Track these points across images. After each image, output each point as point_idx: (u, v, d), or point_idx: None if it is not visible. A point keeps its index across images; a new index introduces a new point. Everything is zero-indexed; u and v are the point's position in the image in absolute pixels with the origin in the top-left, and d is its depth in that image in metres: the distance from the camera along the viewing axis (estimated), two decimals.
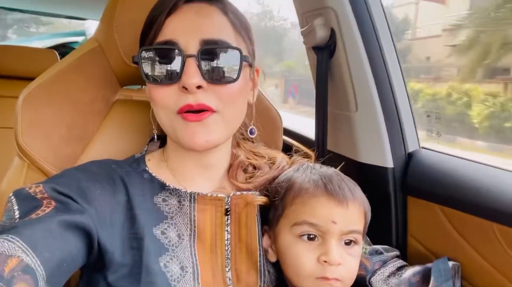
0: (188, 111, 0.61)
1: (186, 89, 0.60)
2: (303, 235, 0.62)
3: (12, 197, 0.57)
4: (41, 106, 0.80)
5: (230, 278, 0.65)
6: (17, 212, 0.54)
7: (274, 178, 0.73)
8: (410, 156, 0.95)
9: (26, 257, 0.46)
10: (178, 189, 0.67)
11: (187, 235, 0.65)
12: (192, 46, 0.61)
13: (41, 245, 0.49)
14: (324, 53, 0.98)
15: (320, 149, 1.01)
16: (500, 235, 0.73)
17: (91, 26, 3.46)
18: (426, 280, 0.75)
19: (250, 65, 0.69)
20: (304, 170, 0.70)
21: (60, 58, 2.69)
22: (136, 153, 0.80)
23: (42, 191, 0.57)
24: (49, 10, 2.94)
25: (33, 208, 0.54)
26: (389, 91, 0.94)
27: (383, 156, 0.94)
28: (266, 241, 0.69)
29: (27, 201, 0.56)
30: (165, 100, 0.63)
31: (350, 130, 0.98)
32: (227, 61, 0.62)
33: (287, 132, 1.33)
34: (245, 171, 0.77)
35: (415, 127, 0.98)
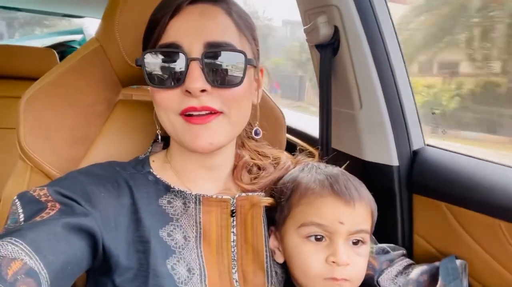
0: (191, 114, 0.60)
1: (190, 92, 0.59)
2: (310, 236, 0.62)
3: (17, 200, 0.57)
4: (43, 109, 0.79)
5: (237, 279, 0.65)
6: (21, 215, 0.54)
7: (279, 179, 0.73)
8: (415, 154, 0.95)
9: (29, 260, 0.46)
10: (183, 191, 0.67)
11: (193, 237, 0.65)
12: (196, 49, 0.60)
13: (45, 248, 0.49)
14: (328, 50, 0.97)
15: (324, 147, 1.01)
16: (507, 232, 0.73)
17: (88, 23, 3.45)
18: (434, 279, 0.75)
19: (254, 66, 0.68)
20: (309, 170, 0.70)
21: (59, 57, 2.69)
22: (139, 153, 0.80)
23: (46, 194, 0.57)
24: (47, 9, 2.92)
25: (38, 211, 0.54)
26: (393, 89, 0.94)
27: (388, 154, 0.94)
28: (273, 242, 0.69)
29: (31, 204, 0.55)
30: (168, 103, 0.62)
31: (355, 128, 0.98)
32: (231, 64, 0.61)
33: (291, 131, 1.33)
34: (249, 171, 0.76)
35: (420, 124, 0.98)
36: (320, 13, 0.95)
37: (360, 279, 0.64)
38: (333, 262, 0.60)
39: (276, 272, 0.69)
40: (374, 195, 0.68)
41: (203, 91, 0.59)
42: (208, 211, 0.66)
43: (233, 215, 0.67)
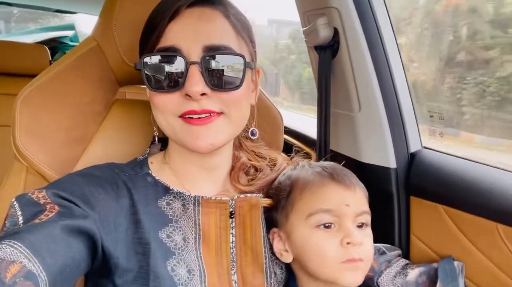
0: (191, 116, 0.61)
1: (190, 96, 0.59)
2: (319, 225, 0.63)
3: (15, 203, 0.56)
4: (39, 108, 0.78)
5: (236, 281, 0.65)
6: (20, 218, 0.54)
7: (275, 180, 0.73)
8: (412, 156, 0.95)
9: (28, 263, 0.46)
10: (182, 193, 0.67)
11: (192, 238, 0.65)
12: (194, 53, 0.60)
13: (44, 250, 0.49)
14: (327, 52, 0.97)
15: (322, 149, 1.01)
16: (504, 235, 0.73)
17: (79, 19, 3.40)
18: (432, 281, 0.75)
19: (252, 68, 0.68)
20: (303, 167, 0.71)
21: (51, 53, 2.65)
22: (137, 153, 0.79)
23: (45, 196, 0.57)
24: (39, 4, 2.87)
25: (37, 213, 0.54)
26: (392, 91, 0.94)
27: (386, 156, 0.94)
28: (277, 244, 0.69)
29: (30, 206, 0.55)
30: (167, 106, 0.62)
31: (353, 130, 0.98)
32: (230, 67, 0.62)
33: (289, 132, 1.33)
34: (246, 173, 0.77)
35: (417, 127, 0.98)
36: (320, 15, 0.95)
37: (370, 260, 0.65)
38: (348, 243, 0.61)
39: (275, 273, 0.69)
40: (371, 197, 0.69)
41: (203, 94, 0.60)
42: (207, 213, 0.66)
43: (232, 216, 0.67)
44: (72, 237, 0.53)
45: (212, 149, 0.63)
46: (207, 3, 0.63)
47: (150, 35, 0.63)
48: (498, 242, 0.75)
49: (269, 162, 0.79)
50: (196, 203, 0.66)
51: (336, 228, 0.63)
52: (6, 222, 0.55)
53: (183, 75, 0.59)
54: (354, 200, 0.64)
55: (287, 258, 0.68)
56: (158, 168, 0.71)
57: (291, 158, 0.81)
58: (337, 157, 1.02)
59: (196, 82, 0.59)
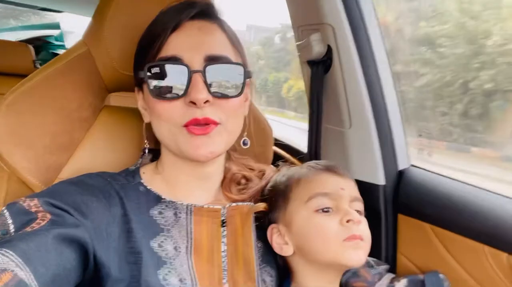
0: (193, 126, 0.62)
1: (194, 103, 0.61)
2: (318, 209, 0.65)
3: (5, 211, 0.56)
4: (24, 112, 0.76)
5: None
6: (12, 226, 0.53)
7: (265, 186, 0.76)
8: (401, 174, 0.96)
9: (20, 272, 0.46)
10: (174, 202, 0.68)
11: (184, 247, 0.65)
12: (197, 62, 0.63)
13: (36, 259, 0.48)
14: (319, 67, 0.97)
15: None
16: (491, 257, 0.75)
17: (61, 18, 3.35)
18: None
19: (249, 77, 0.71)
20: (289, 169, 0.75)
21: (35, 52, 2.59)
22: (124, 161, 0.80)
23: (36, 204, 0.56)
24: (23, 1, 2.80)
25: (28, 222, 0.53)
26: (382, 109, 0.95)
27: (375, 173, 0.95)
28: (276, 239, 0.69)
29: (21, 215, 0.55)
30: (171, 114, 0.64)
31: (343, 146, 0.99)
32: (231, 76, 0.65)
33: (279, 145, 1.33)
34: (238, 183, 0.78)
35: (406, 145, 1.00)
36: (314, 31, 0.96)
37: (369, 241, 0.66)
38: (348, 221, 0.63)
39: (265, 281, 0.69)
40: None
41: (206, 102, 0.62)
42: (199, 221, 0.67)
43: (224, 225, 0.68)
44: (64, 246, 0.53)
45: (211, 157, 0.65)
46: (206, 17, 0.67)
47: (151, 45, 0.65)
48: (484, 263, 0.76)
49: (258, 172, 0.82)
50: (189, 212, 0.67)
51: (334, 212, 0.65)
52: None
53: (187, 83, 0.62)
54: (348, 185, 0.69)
55: (288, 250, 0.68)
56: (150, 178, 0.72)
57: (279, 169, 0.82)
58: None
59: (200, 90, 0.61)
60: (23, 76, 0.80)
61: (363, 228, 0.65)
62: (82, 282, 0.58)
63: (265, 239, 0.71)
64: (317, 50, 0.95)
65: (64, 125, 0.79)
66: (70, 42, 3.20)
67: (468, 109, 1.61)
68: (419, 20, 1.70)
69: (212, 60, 0.63)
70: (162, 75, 0.63)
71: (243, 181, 0.78)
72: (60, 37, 3.36)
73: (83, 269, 0.56)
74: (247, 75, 0.66)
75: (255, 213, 0.71)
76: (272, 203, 0.71)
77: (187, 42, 0.64)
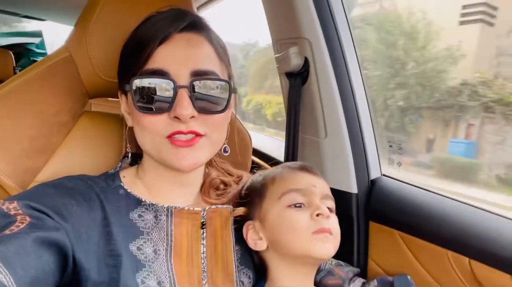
0: (177, 137, 0.63)
1: (179, 118, 0.61)
2: (291, 205, 0.68)
3: None
4: (2, 116, 0.75)
5: None
6: None
7: (241, 191, 0.77)
8: (372, 183, 1.00)
9: None
10: (155, 204, 0.68)
11: (163, 249, 0.66)
12: (183, 77, 0.62)
13: (15, 262, 0.48)
14: (297, 79, 1.01)
15: None
16: (454, 262, 0.78)
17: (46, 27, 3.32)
18: None
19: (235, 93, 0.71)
20: (264, 172, 0.77)
21: (15, 58, 2.56)
22: (101, 167, 0.79)
23: (16, 207, 0.56)
24: (8, 8, 2.78)
25: (7, 224, 0.52)
26: (356, 120, 0.99)
27: (348, 182, 0.98)
28: (251, 235, 0.71)
29: (0, 218, 0.54)
30: (154, 127, 0.64)
31: (319, 155, 1.02)
32: (216, 92, 0.65)
33: (256, 153, 1.35)
34: (216, 188, 0.79)
35: (378, 155, 1.04)
36: (292, 44, 1.00)
37: (338, 236, 0.68)
38: (318, 215, 0.66)
39: (243, 282, 0.70)
40: None
41: (191, 117, 0.62)
42: (179, 223, 0.68)
43: (203, 227, 0.69)
44: (44, 249, 0.52)
45: (194, 168, 0.65)
46: (194, 29, 0.66)
47: (137, 55, 0.64)
48: (448, 268, 0.79)
49: (236, 178, 0.83)
50: (169, 214, 0.68)
51: (306, 207, 0.68)
52: None
53: (172, 98, 0.61)
54: (320, 183, 0.72)
55: (262, 245, 0.70)
56: (130, 182, 0.72)
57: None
58: None
59: (185, 106, 0.61)
60: (2, 82, 0.80)
61: (332, 223, 0.68)
62: (61, 285, 0.57)
63: (243, 241, 0.72)
64: (295, 62, 0.99)
65: (42, 130, 0.79)
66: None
67: (388, 122, 2.04)
68: None
69: (198, 75, 0.63)
70: (147, 89, 0.63)
71: (221, 186, 0.80)
72: (41, 45, 3.34)
73: (62, 272, 0.56)
74: (233, 91, 0.67)
75: (234, 216, 0.72)
76: (249, 202, 0.73)
77: (174, 56, 0.63)
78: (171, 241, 0.67)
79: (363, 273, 0.96)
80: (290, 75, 1.04)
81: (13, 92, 0.77)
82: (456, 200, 0.86)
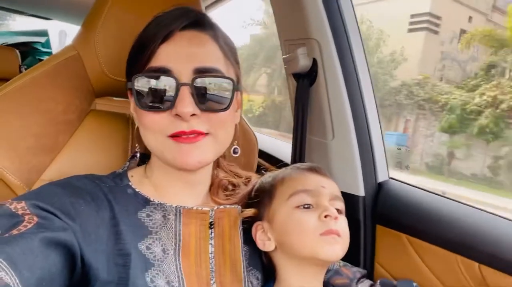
0: (179, 136, 0.62)
1: (180, 116, 0.61)
2: (299, 206, 0.67)
3: None
4: (9, 113, 0.76)
5: None
6: None
7: (250, 192, 0.77)
8: (380, 186, 0.99)
9: (5, 276, 0.45)
10: (163, 204, 0.68)
11: (171, 249, 0.66)
12: (185, 74, 0.62)
13: (21, 263, 0.48)
14: (305, 80, 1.00)
15: None
16: (463, 267, 0.77)
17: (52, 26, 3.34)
18: None
19: (238, 90, 0.71)
20: (273, 173, 0.77)
21: (21, 57, 2.57)
22: (107, 166, 0.79)
23: (24, 207, 0.55)
24: (14, 7, 2.80)
25: (14, 224, 0.52)
26: (364, 122, 0.98)
27: (355, 185, 0.97)
28: (260, 235, 0.71)
29: (7, 217, 0.53)
30: (156, 125, 0.63)
31: (326, 157, 1.01)
32: (219, 89, 0.64)
33: (263, 154, 1.34)
34: (225, 189, 0.79)
35: (385, 158, 1.03)
36: (300, 45, 0.99)
37: (347, 238, 0.68)
38: (326, 216, 0.65)
39: (251, 283, 0.70)
40: None
41: (192, 115, 0.62)
42: (187, 223, 0.68)
43: (212, 227, 0.69)
44: (51, 249, 0.52)
45: (199, 166, 0.65)
46: (198, 27, 0.66)
47: (141, 54, 0.64)
48: (457, 273, 0.78)
49: (244, 179, 0.83)
50: (177, 214, 0.68)
51: (314, 208, 0.67)
52: None
53: (174, 95, 0.61)
54: (329, 184, 0.71)
55: (270, 246, 0.69)
56: (138, 181, 0.72)
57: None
58: None
59: (187, 104, 0.60)
60: (8, 80, 0.80)
61: (341, 225, 0.67)
62: (70, 285, 0.57)
63: (252, 242, 0.72)
64: (303, 63, 0.99)
65: (49, 128, 0.79)
66: None
67: None
68: None
69: (201, 72, 0.62)
70: (149, 86, 0.63)
71: (230, 187, 0.80)
72: (46, 44, 3.35)
73: (70, 273, 0.56)
74: (236, 88, 0.66)
75: (243, 218, 0.72)
76: (258, 202, 0.73)
77: (176, 53, 0.63)
78: (180, 241, 0.66)
79: (369, 277, 0.95)
80: (298, 76, 1.03)
81: (20, 90, 0.77)
82: (465, 204, 0.85)
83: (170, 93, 0.61)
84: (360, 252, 0.96)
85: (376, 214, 0.97)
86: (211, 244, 0.68)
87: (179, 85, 0.61)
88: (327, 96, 0.97)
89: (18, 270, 0.47)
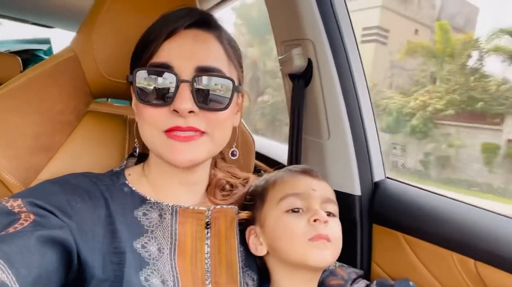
0: (176, 133, 0.63)
1: (177, 112, 0.62)
2: (289, 210, 0.67)
3: None
4: (7, 112, 0.76)
5: None
6: None
7: (246, 193, 0.77)
8: (376, 185, 0.99)
9: (2, 274, 0.45)
10: (160, 203, 0.68)
11: (167, 248, 0.65)
12: (186, 72, 0.63)
13: (18, 261, 0.48)
14: (300, 81, 1.01)
15: None
16: (459, 264, 0.77)
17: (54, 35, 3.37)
18: None
19: (239, 92, 0.71)
20: (268, 175, 0.77)
21: (23, 64, 2.60)
22: (103, 167, 0.79)
23: (20, 204, 0.56)
24: (17, 16, 2.84)
25: (11, 222, 0.52)
26: (359, 122, 0.99)
27: (351, 184, 0.97)
28: (253, 240, 0.70)
29: (4, 215, 0.54)
30: (154, 119, 0.64)
31: (322, 157, 1.01)
32: (219, 89, 0.64)
33: (259, 156, 1.35)
34: (222, 189, 0.79)
35: (381, 157, 1.03)
36: (295, 46, 1.01)
37: (338, 243, 0.67)
38: (315, 220, 0.64)
39: (247, 284, 0.70)
40: None
41: (190, 112, 0.62)
42: (183, 222, 0.68)
43: (208, 227, 0.69)
44: (47, 247, 0.52)
45: (190, 165, 0.65)
46: (203, 26, 0.67)
47: (144, 50, 0.65)
48: (453, 270, 0.78)
49: (242, 180, 0.83)
50: (174, 213, 0.68)
51: (305, 212, 0.66)
52: None
53: (173, 91, 0.62)
54: (320, 186, 0.70)
55: (262, 251, 0.69)
56: (136, 180, 0.72)
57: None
58: None
59: (185, 100, 0.61)
60: None
61: (331, 229, 0.66)
62: (66, 283, 0.57)
63: None
64: (298, 63, 0.99)
65: (46, 127, 0.79)
66: None
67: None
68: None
69: (202, 71, 0.63)
70: (149, 81, 0.63)
71: (227, 187, 0.80)
72: (49, 52, 3.39)
73: (66, 270, 0.56)
74: (237, 90, 0.66)
75: (239, 219, 0.72)
76: (252, 206, 0.73)
77: (179, 51, 0.64)
78: (175, 240, 0.66)
79: (366, 277, 0.94)
80: (293, 76, 1.04)
81: (19, 89, 0.78)
82: (461, 201, 0.85)
83: (170, 89, 0.62)
84: (356, 252, 0.96)
85: (373, 214, 0.97)
86: (207, 244, 0.68)
87: (179, 82, 0.62)
88: (323, 96, 0.98)
89: (15, 268, 0.47)
